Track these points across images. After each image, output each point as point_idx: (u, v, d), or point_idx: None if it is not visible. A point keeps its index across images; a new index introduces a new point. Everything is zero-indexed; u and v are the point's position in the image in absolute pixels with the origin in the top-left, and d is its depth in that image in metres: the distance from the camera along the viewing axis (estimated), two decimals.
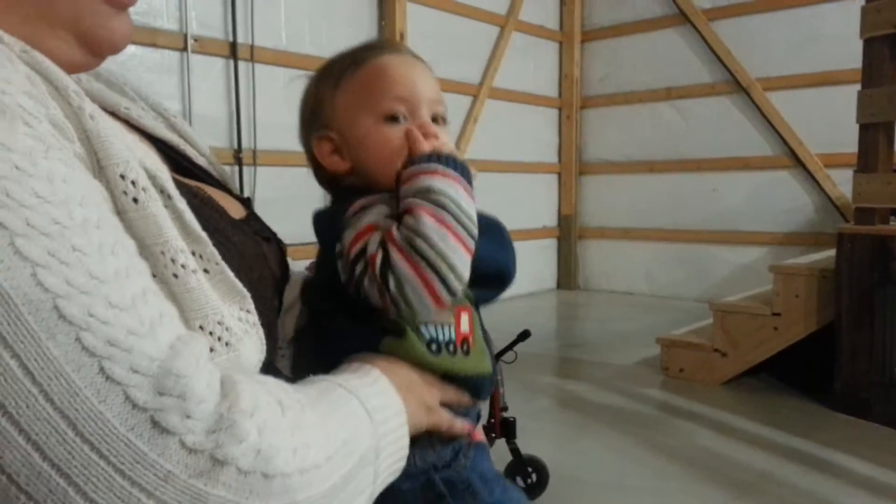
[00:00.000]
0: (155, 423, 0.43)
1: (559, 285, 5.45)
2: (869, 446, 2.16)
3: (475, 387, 0.72)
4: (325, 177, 0.78)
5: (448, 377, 0.69)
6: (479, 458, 0.72)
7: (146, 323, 0.46)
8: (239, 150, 3.37)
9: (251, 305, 0.58)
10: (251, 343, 0.57)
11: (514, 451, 1.81)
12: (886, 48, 2.36)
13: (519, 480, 1.80)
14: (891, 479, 1.93)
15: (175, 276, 0.52)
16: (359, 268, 0.64)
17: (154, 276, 0.51)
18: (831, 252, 2.61)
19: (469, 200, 0.66)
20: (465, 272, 0.64)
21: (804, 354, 2.70)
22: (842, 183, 4.00)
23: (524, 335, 1.87)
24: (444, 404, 0.69)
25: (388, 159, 0.71)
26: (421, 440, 0.66)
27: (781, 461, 2.06)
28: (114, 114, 0.65)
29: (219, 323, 0.54)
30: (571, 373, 3.10)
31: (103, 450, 0.42)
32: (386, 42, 0.75)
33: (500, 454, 1.73)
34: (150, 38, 3.05)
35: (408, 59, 0.74)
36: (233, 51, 3.34)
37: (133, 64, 3.02)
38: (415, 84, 0.73)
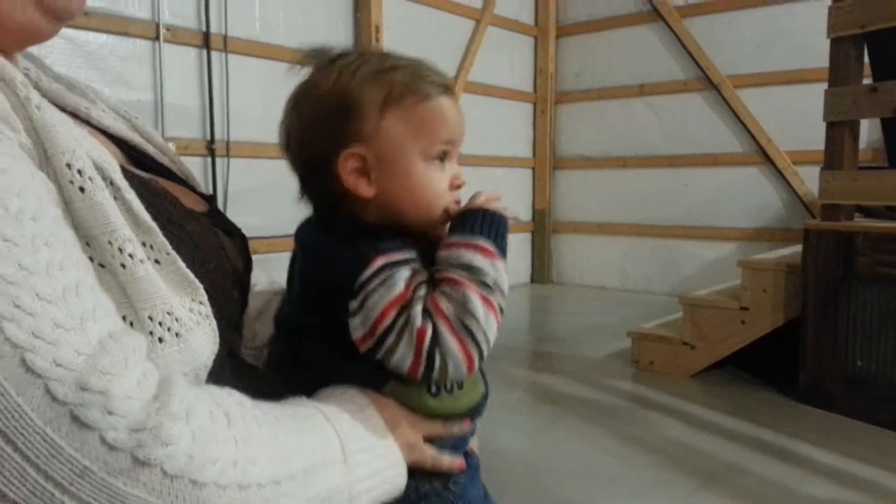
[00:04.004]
0: (74, 418, 0.42)
1: (533, 279, 5.48)
2: (832, 437, 2.21)
3: (471, 414, 0.73)
4: (321, 190, 0.71)
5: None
6: (468, 483, 0.73)
7: (76, 316, 0.45)
8: (212, 141, 3.34)
9: (204, 297, 0.57)
10: (203, 334, 0.56)
11: None
12: (852, 48, 2.40)
13: None
14: (852, 468, 1.98)
15: (123, 266, 0.51)
16: (391, 338, 0.62)
17: (102, 265, 0.51)
18: (798, 248, 2.67)
19: (505, 276, 0.66)
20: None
21: (771, 348, 2.75)
22: (809, 180, 4.07)
23: None
24: (430, 439, 0.68)
25: (429, 202, 0.69)
26: (417, 473, 0.66)
27: (747, 451, 2.10)
28: (74, 114, 0.64)
29: (168, 313, 0.53)
30: (545, 366, 3.13)
31: (18, 443, 0.41)
32: (445, 78, 0.72)
33: None
34: (122, 26, 3.01)
35: (456, 103, 0.73)
36: (206, 40, 3.30)
37: (104, 53, 2.98)
38: (461, 130, 0.72)
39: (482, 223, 0.68)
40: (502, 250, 0.67)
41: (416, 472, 0.66)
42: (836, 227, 2.44)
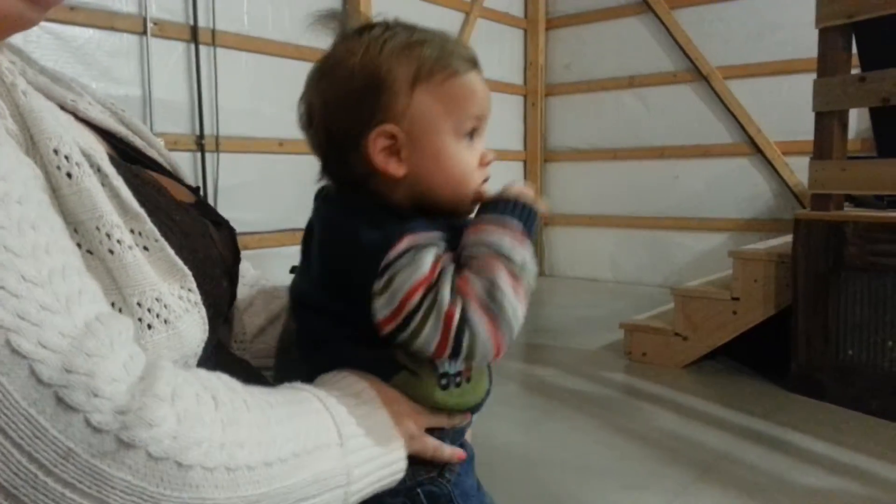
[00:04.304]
0: (59, 400, 0.42)
1: None
2: (823, 426, 2.23)
3: (474, 409, 0.73)
4: (347, 169, 0.68)
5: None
6: (463, 472, 0.72)
7: (62, 299, 0.45)
8: (201, 136, 3.32)
9: (193, 284, 0.57)
10: (192, 321, 0.56)
11: None
12: (840, 38, 2.41)
13: None
14: (844, 456, 2.00)
15: (111, 251, 0.51)
16: (417, 318, 0.60)
17: (90, 252, 0.51)
18: (789, 238, 2.68)
19: (532, 260, 0.64)
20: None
21: (762, 338, 2.76)
22: (799, 170, 4.08)
23: None
24: (431, 430, 0.68)
25: (460, 180, 0.68)
26: (413, 461, 0.66)
27: (740, 441, 2.11)
28: (60, 106, 0.64)
29: (157, 300, 0.53)
30: (538, 358, 3.13)
31: (2, 423, 0.40)
32: (472, 52, 0.72)
33: None
34: (109, 21, 2.98)
35: (483, 78, 0.71)
36: (194, 35, 3.28)
37: (91, 48, 2.95)
38: (489, 105, 0.71)
39: (514, 208, 0.66)
40: (531, 237, 0.66)
41: (412, 461, 0.66)
42: (826, 216, 2.45)
